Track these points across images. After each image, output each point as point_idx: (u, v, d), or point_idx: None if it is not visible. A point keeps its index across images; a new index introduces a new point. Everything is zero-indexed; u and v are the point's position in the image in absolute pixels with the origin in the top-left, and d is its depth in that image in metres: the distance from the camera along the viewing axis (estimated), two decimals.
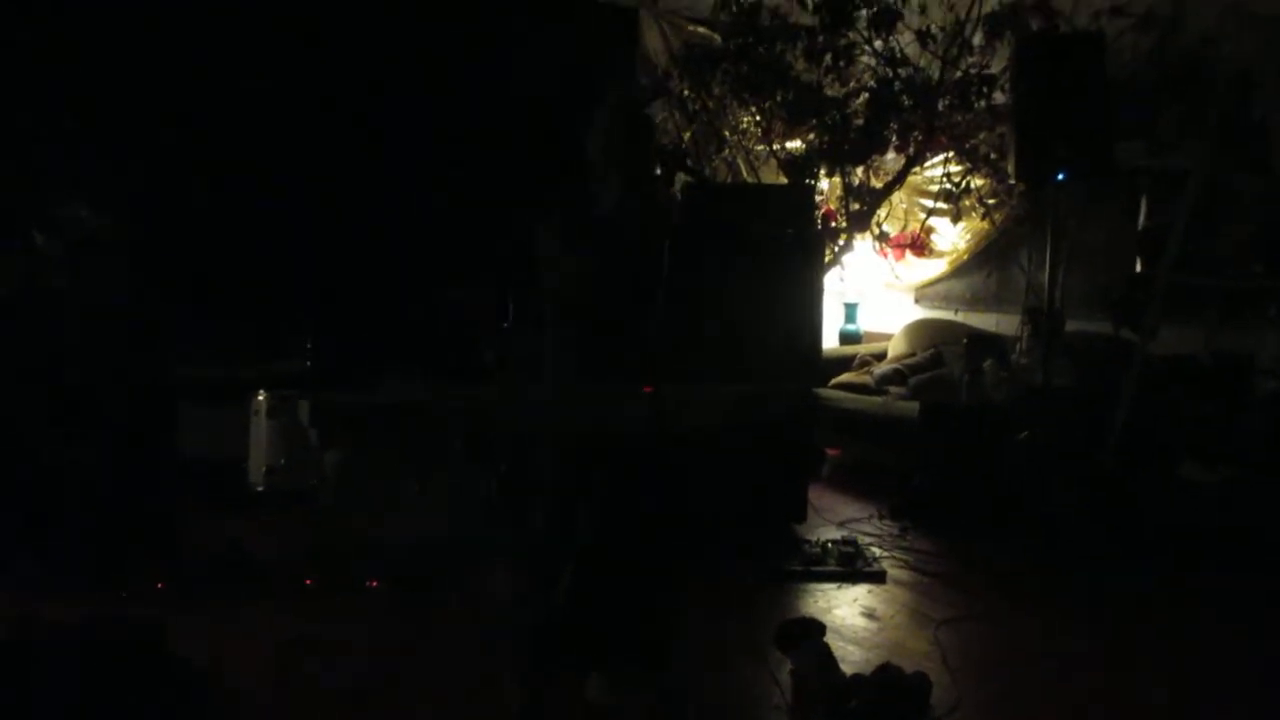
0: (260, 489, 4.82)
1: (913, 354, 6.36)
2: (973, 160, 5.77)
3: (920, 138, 5.73)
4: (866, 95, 5.71)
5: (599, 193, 3.03)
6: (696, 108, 6.12)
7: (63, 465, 3.90)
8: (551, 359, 3.09)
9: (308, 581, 3.97)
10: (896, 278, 6.93)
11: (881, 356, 6.63)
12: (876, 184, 6.00)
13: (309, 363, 4.90)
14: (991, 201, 5.94)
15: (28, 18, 4.92)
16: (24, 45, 4.92)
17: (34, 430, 3.90)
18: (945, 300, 6.80)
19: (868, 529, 5.01)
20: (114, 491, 3.96)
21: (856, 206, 5.97)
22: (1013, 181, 5.39)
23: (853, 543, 4.59)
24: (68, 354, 3.95)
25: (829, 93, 5.77)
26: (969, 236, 6.43)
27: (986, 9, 5.43)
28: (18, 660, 3.02)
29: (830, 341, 6.96)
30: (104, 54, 5.04)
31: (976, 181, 5.88)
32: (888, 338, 6.86)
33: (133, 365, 4.08)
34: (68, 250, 4.20)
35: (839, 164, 5.83)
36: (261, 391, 4.81)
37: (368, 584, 4.00)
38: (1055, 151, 4.43)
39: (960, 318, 6.59)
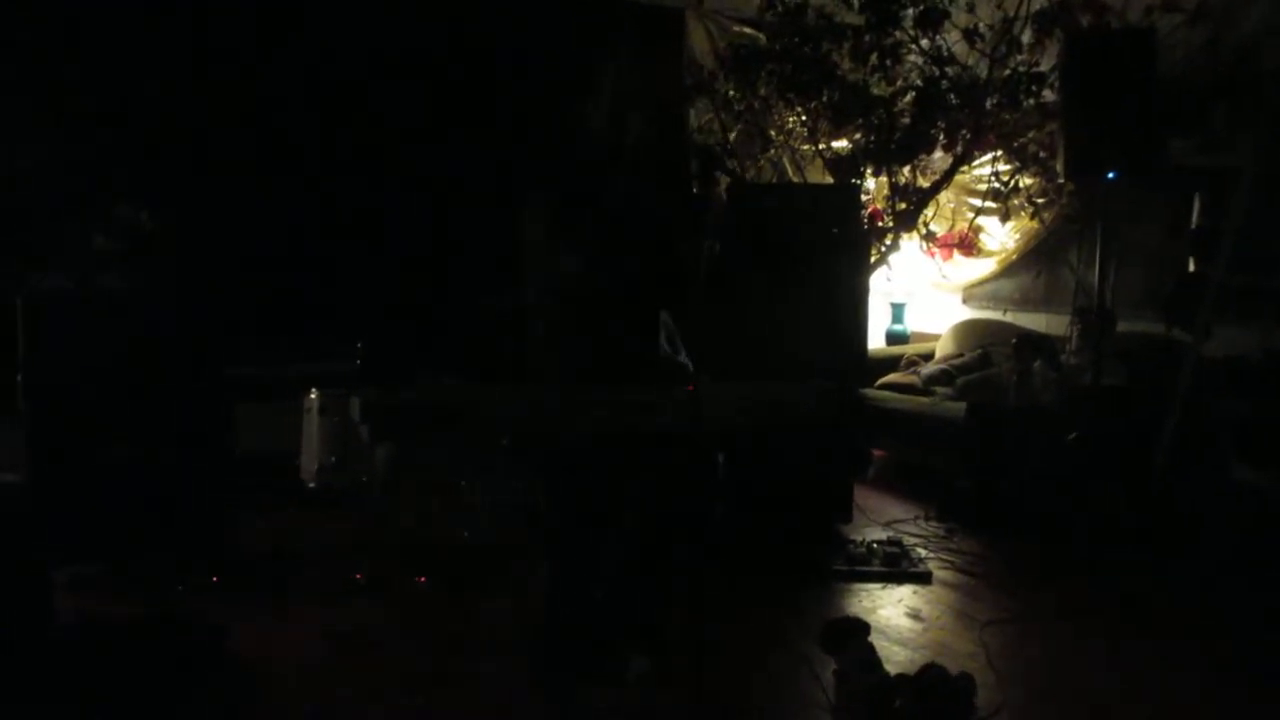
0: (312, 485, 4.90)
1: (960, 354, 6.32)
2: (1021, 159, 5.72)
3: (968, 136, 5.69)
4: (913, 94, 5.68)
5: (606, 182, 2.98)
6: (742, 108, 6.12)
7: (120, 462, 4.00)
8: (544, 357, 3.06)
9: (357, 576, 4.04)
10: (944, 277, 6.88)
11: (929, 357, 6.59)
12: (923, 183, 5.97)
13: (360, 361, 4.97)
14: (1041, 200, 5.88)
15: (88, 21, 5.04)
16: (86, 47, 5.05)
17: (91, 428, 3.99)
18: (994, 300, 6.75)
19: (913, 529, 4.99)
20: (170, 488, 4.05)
21: (903, 206, 5.94)
22: (1062, 180, 5.34)
23: (898, 543, 4.58)
24: (124, 352, 4.04)
25: (875, 92, 5.75)
26: (1018, 236, 6.37)
27: (1035, 6, 5.38)
28: (82, 654, 3.13)
29: (877, 341, 6.94)
30: (160, 58, 5.15)
31: (1025, 180, 5.83)
32: (935, 338, 6.82)
33: (189, 363, 4.17)
34: (125, 250, 4.29)
35: (885, 163, 5.81)
36: (314, 389, 4.89)
37: (416, 580, 4.06)
38: (1105, 150, 4.38)
39: (1009, 318, 6.53)
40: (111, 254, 4.26)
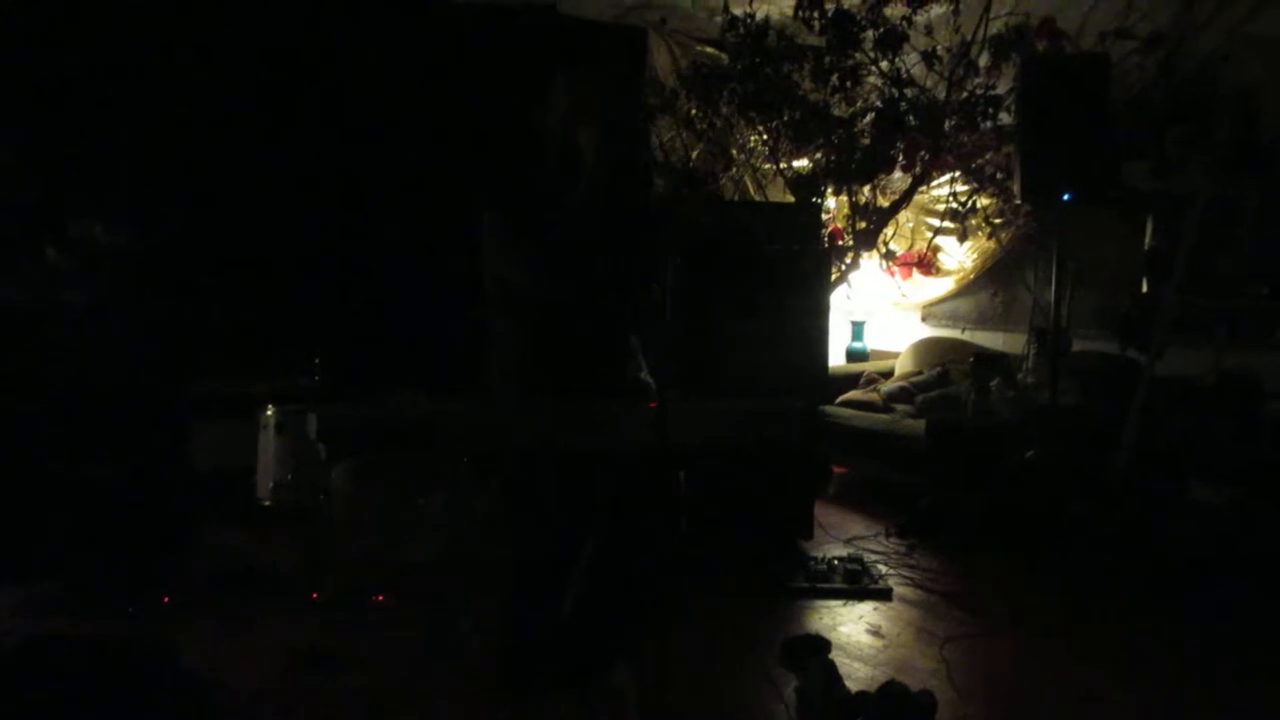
0: (268, 503, 4.83)
1: (919, 372, 6.38)
2: (979, 180, 5.80)
3: (926, 157, 5.76)
4: (873, 115, 5.75)
5: (564, 195, 2.95)
6: (704, 127, 6.15)
7: (76, 479, 3.93)
8: (503, 371, 3.04)
9: (314, 595, 3.98)
10: (903, 296, 6.95)
11: (888, 374, 6.65)
12: (883, 203, 6.04)
13: (317, 377, 4.92)
14: (998, 221, 5.97)
15: (45, 31, 4.97)
16: (41, 58, 4.97)
17: (47, 444, 3.92)
18: (952, 319, 6.82)
19: (874, 546, 5.01)
20: (126, 505, 3.98)
21: (863, 225, 6.00)
22: (1018, 201, 5.42)
23: (859, 560, 4.60)
24: (81, 368, 3.98)
25: (836, 112, 5.81)
26: (976, 255, 6.45)
27: (993, 30, 5.46)
28: (32, 674, 3.05)
29: (837, 359, 6.98)
30: (119, 74, 5.09)
31: (983, 201, 5.92)
32: (895, 356, 6.88)
33: (145, 379, 4.11)
34: (80, 265, 4.23)
35: (846, 183, 5.87)
36: (270, 406, 4.83)
37: (374, 598, 4.01)
38: (1060, 172, 4.45)
39: (967, 336, 6.62)
40: (67, 269, 4.20)
